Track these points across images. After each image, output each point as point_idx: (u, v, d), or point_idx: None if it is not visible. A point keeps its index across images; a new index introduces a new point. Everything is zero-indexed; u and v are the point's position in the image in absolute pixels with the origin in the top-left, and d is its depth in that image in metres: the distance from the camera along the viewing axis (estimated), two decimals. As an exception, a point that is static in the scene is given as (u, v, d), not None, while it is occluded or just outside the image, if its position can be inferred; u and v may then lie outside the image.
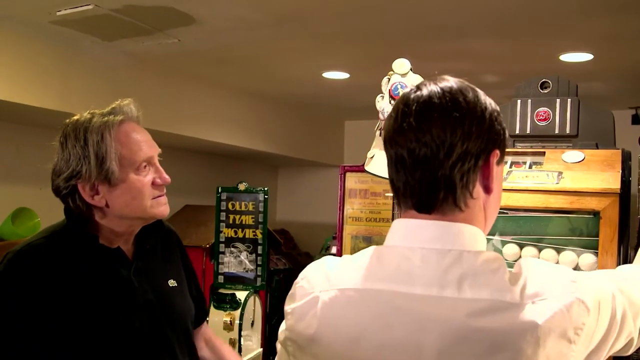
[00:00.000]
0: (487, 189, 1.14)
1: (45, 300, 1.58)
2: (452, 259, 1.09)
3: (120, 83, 4.46)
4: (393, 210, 2.19)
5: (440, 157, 1.07)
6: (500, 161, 1.16)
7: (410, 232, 1.13)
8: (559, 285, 1.07)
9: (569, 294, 1.06)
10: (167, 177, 1.74)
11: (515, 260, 1.84)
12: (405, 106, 1.12)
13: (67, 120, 1.72)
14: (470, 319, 1.04)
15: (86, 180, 1.64)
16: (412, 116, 1.10)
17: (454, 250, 1.09)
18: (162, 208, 1.74)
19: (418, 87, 1.14)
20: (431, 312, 1.06)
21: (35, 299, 1.58)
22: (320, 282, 1.18)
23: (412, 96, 1.13)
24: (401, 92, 2.09)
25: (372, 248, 1.20)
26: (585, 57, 4.15)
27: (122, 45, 4.26)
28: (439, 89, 1.11)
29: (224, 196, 4.03)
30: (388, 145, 1.14)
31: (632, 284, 1.23)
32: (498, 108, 1.16)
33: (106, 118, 1.68)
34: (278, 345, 1.30)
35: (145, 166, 1.70)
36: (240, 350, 3.74)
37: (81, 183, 1.64)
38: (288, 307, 1.22)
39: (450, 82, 1.13)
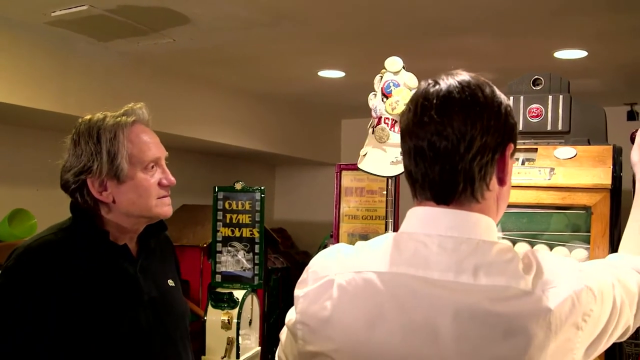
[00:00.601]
0: (502, 182, 1.17)
1: (53, 295, 1.62)
2: (468, 248, 1.11)
3: (116, 83, 4.47)
4: (387, 207, 2.20)
5: (461, 151, 1.10)
6: (513, 154, 1.19)
7: (428, 220, 1.16)
8: (568, 274, 1.11)
9: (578, 281, 1.10)
10: (172, 178, 1.81)
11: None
12: (425, 100, 1.14)
13: (80, 120, 1.78)
14: (486, 304, 1.06)
15: (96, 176, 1.69)
16: (433, 109, 1.12)
17: (470, 239, 1.12)
18: (166, 208, 1.80)
19: (436, 82, 1.16)
20: (447, 295, 1.09)
21: (44, 293, 1.61)
22: (334, 266, 1.20)
23: (431, 90, 1.15)
24: (393, 90, 2.10)
25: (388, 234, 1.22)
26: (579, 54, 4.17)
27: (117, 46, 4.27)
28: (457, 83, 1.14)
29: (220, 195, 4.03)
30: (407, 137, 1.16)
31: (625, 273, 1.27)
32: (510, 102, 1.19)
33: (119, 118, 1.75)
34: (282, 335, 1.31)
35: (152, 166, 1.76)
36: (238, 349, 3.75)
37: (91, 178, 1.70)
38: (300, 292, 1.23)
39: (467, 76, 1.16)
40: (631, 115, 5.72)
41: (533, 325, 1.05)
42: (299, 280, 1.25)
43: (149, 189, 1.75)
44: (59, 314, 1.62)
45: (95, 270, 1.70)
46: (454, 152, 1.10)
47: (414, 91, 2.10)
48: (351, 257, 1.21)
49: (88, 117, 1.78)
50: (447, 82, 1.14)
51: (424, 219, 1.17)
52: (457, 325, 1.07)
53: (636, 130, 1.77)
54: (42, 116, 4.17)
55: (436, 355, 1.08)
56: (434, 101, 1.13)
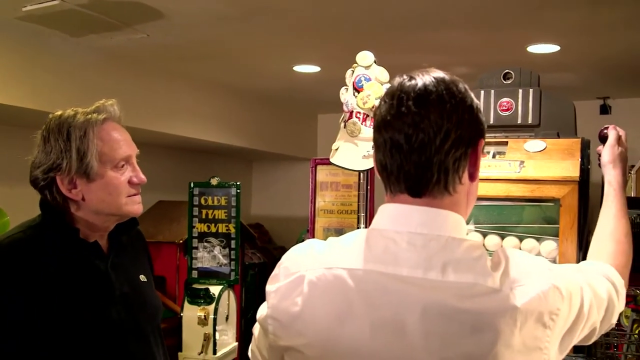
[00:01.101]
0: (473, 177, 1.20)
1: (23, 294, 1.61)
2: (437, 244, 1.13)
3: (89, 79, 4.43)
4: (359, 201, 2.21)
5: (437, 143, 1.12)
6: (482, 150, 1.21)
7: (398, 217, 1.17)
8: (536, 272, 1.13)
9: (546, 280, 1.12)
10: (143, 177, 1.80)
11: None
12: (402, 93, 1.15)
13: (51, 115, 1.76)
14: (454, 300, 1.08)
15: (65, 174, 1.68)
16: (410, 101, 1.14)
17: (440, 236, 1.14)
18: (136, 207, 1.80)
19: (411, 77, 1.18)
20: (416, 292, 1.10)
21: (13, 292, 1.61)
22: (306, 262, 1.21)
23: (407, 84, 1.16)
24: (365, 84, 2.11)
25: (359, 231, 1.23)
26: (552, 48, 4.20)
27: (90, 41, 4.23)
28: (432, 79, 1.16)
29: (196, 191, 4.03)
30: (383, 130, 1.17)
31: (595, 278, 1.30)
32: (480, 102, 1.22)
33: (90, 115, 1.73)
34: (255, 329, 1.32)
35: (123, 165, 1.75)
36: (215, 345, 3.75)
37: (60, 176, 1.69)
38: (271, 287, 1.24)
39: (440, 73, 1.18)
40: (604, 109, 5.78)
41: (500, 322, 1.06)
42: (271, 276, 1.26)
43: (119, 187, 1.74)
44: (29, 312, 1.61)
45: (66, 267, 1.70)
46: (430, 144, 1.12)
47: (385, 85, 2.14)
48: (322, 253, 1.22)
49: (59, 113, 1.76)
50: (422, 78, 1.17)
51: (394, 216, 1.18)
52: (425, 321, 1.09)
53: (605, 128, 1.79)
54: (13, 112, 4.13)
55: (404, 351, 1.10)
56: (411, 94, 1.14)
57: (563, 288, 1.13)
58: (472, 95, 1.19)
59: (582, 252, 1.82)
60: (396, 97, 1.16)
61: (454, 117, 1.13)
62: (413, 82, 1.16)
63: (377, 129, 1.19)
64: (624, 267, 1.45)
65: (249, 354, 1.37)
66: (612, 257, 1.45)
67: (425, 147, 1.12)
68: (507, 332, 1.06)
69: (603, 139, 1.78)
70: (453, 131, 1.12)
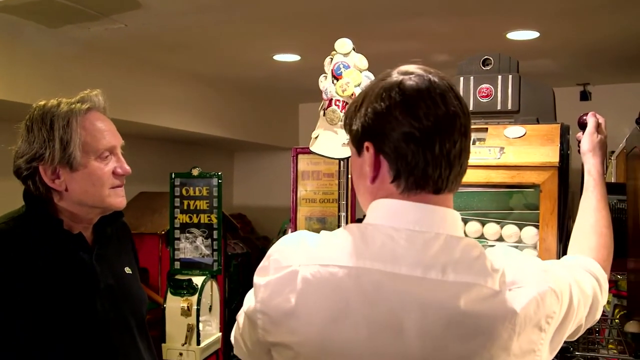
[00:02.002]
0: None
1: (8, 284, 1.61)
2: (436, 243, 1.12)
3: (67, 70, 4.38)
4: (339, 189, 2.21)
5: (464, 147, 1.16)
6: None
7: (394, 213, 1.16)
8: (534, 274, 1.13)
9: (543, 283, 1.12)
10: (127, 167, 1.79)
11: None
12: (441, 96, 1.14)
13: (35, 105, 1.76)
14: (453, 302, 1.07)
15: (48, 164, 1.68)
16: (456, 105, 1.14)
17: (438, 234, 1.13)
18: (120, 199, 1.80)
19: (407, 72, 1.17)
20: (415, 292, 1.09)
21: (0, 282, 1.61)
22: (298, 257, 1.18)
23: (438, 82, 1.16)
24: (344, 71, 2.10)
25: (353, 225, 1.21)
26: (531, 34, 4.21)
27: (68, 32, 4.18)
28: (433, 74, 1.17)
29: (177, 182, 4.01)
30: (435, 135, 1.13)
31: (580, 274, 1.31)
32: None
33: (74, 105, 1.73)
34: (240, 318, 1.28)
35: (107, 155, 1.75)
36: (198, 336, 3.74)
37: (43, 166, 1.69)
38: (261, 280, 1.20)
39: (431, 70, 1.19)
40: (584, 96, 5.80)
41: (498, 326, 1.06)
42: (259, 267, 1.23)
43: (102, 178, 1.74)
44: (12, 304, 1.61)
45: (50, 259, 1.69)
46: (468, 148, 1.16)
47: (364, 73, 2.13)
48: (316, 248, 1.19)
49: (42, 102, 1.75)
50: (420, 74, 1.16)
51: (390, 212, 1.17)
52: (422, 322, 1.08)
53: (585, 115, 1.79)
54: (-9, 105, 4.08)
55: (400, 351, 1.09)
56: (451, 95, 1.15)
57: (557, 289, 1.14)
58: None
59: (564, 238, 1.82)
60: (437, 97, 1.13)
61: (466, 110, 1.17)
62: (441, 81, 1.16)
63: (427, 134, 1.12)
64: (605, 260, 1.46)
65: (232, 340, 1.34)
66: (595, 251, 1.46)
67: (465, 152, 1.16)
68: (504, 337, 1.06)
69: (582, 125, 1.78)
70: (469, 134, 1.17)
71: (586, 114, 1.79)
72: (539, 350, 1.12)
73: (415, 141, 1.12)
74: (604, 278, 1.37)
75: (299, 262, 1.17)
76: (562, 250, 1.81)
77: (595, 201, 1.58)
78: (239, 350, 1.32)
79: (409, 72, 1.17)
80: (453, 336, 1.07)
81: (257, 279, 1.22)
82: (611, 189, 2.57)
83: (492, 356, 1.06)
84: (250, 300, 1.23)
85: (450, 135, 1.12)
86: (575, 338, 1.32)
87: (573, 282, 1.23)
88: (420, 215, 1.14)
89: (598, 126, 1.75)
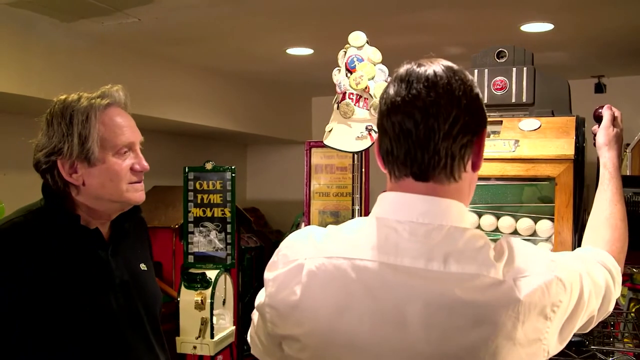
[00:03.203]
0: (476, 166, 1.20)
1: (24, 278, 1.62)
2: (439, 234, 1.13)
3: (81, 65, 4.40)
4: (353, 183, 2.20)
5: (446, 128, 1.12)
6: (484, 141, 1.21)
7: (399, 206, 1.17)
8: (540, 263, 1.13)
9: (549, 272, 1.12)
10: (146, 164, 1.79)
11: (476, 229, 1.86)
12: (411, 77, 1.16)
13: (55, 99, 1.76)
14: (456, 292, 1.08)
15: (66, 158, 1.69)
16: (420, 86, 1.14)
17: (442, 226, 1.13)
18: (138, 194, 1.79)
19: (420, 64, 1.18)
20: (417, 283, 1.10)
21: (15, 276, 1.61)
22: (305, 250, 1.20)
23: (417, 70, 1.16)
24: (357, 64, 2.09)
25: (360, 219, 1.23)
26: (545, 27, 4.18)
27: (81, 27, 4.20)
28: (442, 66, 1.16)
29: (191, 176, 4.01)
30: (392, 114, 1.16)
31: (593, 265, 1.30)
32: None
33: (93, 100, 1.73)
34: (254, 315, 1.32)
35: (125, 151, 1.75)
36: (212, 329, 3.75)
37: (61, 160, 1.69)
38: (269, 274, 1.23)
39: (448, 62, 1.19)
40: (599, 88, 5.76)
41: (502, 314, 1.06)
42: (269, 263, 1.26)
43: (120, 174, 1.74)
44: (29, 296, 1.61)
45: (66, 254, 1.70)
46: (439, 129, 1.12)
47: (378, 66, 2.12)
48: (322, 241, 1.21)
49: (63, 97, 1.76)
50: (431, 65, 1.17)
51: (396, 205, 1.18)
52: (426, 313, 1.08)
53: (601, 107, 1.77)
54: (6, 99, 4.10)
55: (405, 343, 1.10)
56: (422, 79, 1.15)
57: (565, 279, 1.13)
58: (477, 86, 1.20)
59: (578, 231, 1.81)
60: (405, 81, 1.16)
61: (463, 103, 1.13)
62: (422, 68, 1.16)
63: (386, 114, 1.17)
64: (619, 253, 1.45)
65: (248, 339, 1.36)
66: (609, 244, 1.45)
67: (435, 133, 1.12)
68: (509, 326, 1.06)
69: (598, 118, 1.76)
70: (462, 117, 1.13)
71: (602, 107, 1.77)
72: (545, 339, 1.12)
73: (381, 123, 1.18)
74: (617, 270, 1.36)
75: (305, 255, 1.19)
76: (577, 243, 1.79)
77: (610, 194, 1.57)
78: (255, 349, 1.34)
79: (418, 63, 1.18)
80: (457, 327, 1.07)
81: (266, 274, 1.25)
82: (627, 181, 2.55)
83: (497, 346, 1.06)
84: (260, 296, 1.26)
85: (409, 115, 1.13)
86: (588, 330, 1.31)
87: (584, 274, 1.22)
88: (424, 207, 1.15)
89: (614, 119, 1.73)
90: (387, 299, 1.11)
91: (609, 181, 1.59)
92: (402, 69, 1.19)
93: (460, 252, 1.11)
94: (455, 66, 1.18)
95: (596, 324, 1.32)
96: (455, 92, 1.13)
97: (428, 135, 1.12)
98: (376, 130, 2.06)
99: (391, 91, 1.17)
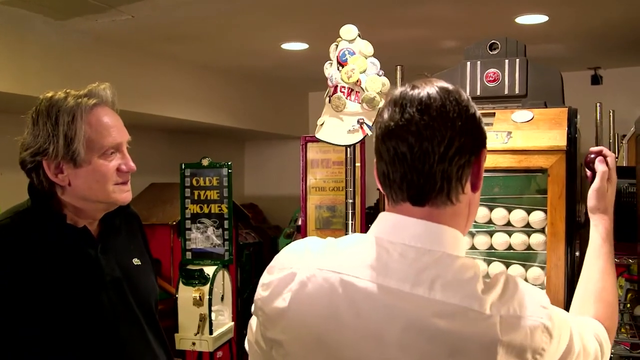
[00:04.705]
0: (475, 187, 1.18)
1: (13, 280, 1.61)
2: (429, 259, 1.12)
3: (76, 62, 4.39)
4: (346, 177, 2.20)
5: (441, 150, 1.10)
6: (484, 160, 1.19)
7: (395, 227, 1.17)
8: (530, 306, 1.10)
9: (537, 318, 1.09)
10: (132, 165, 1.77)
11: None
12: (405, 100, 1.14)
13: (42, 96, 1.73)
14: (435, 319, 1.07)
15: (52, 159, 1.66)
16: (413, 110, 1.12)
17: (433, 251, 1.13)
18: (125, 195, 1.77)
19: (414, 86, 1.16)
20: (400, 305, 1.10)
21: (3, 279, 1.61)
22: (301, 260, 1.21)
23: (410, 92, 1.15)
24: (349, 58, 2.09)
25: (358, 235, 1.23)
26: (540, 18, 4.18)
27: (75, 24, 4.19)
28: (436, 88, 1.14)
29: (188, 172, 4.01)
30: (386, 139, 1.15)
31: (586, 329, 1.27)
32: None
33: (80, 100, 1.70)
34: (252, 320, 1.33)
35: (112, 152, 1.73)
36: (211, 325, 3.76)
37: (46, 160, 1.67)
38: (265, 279, 1.24)
39: (443, 83, 1.17)
40: (595, 80, 5.76)
41: (478, 350, 1.05)
42: (268, 266, 1.27)
43: (106, 175, 1.72)
44: (18, 298, 1.61)
45: (54, 254, 1.69)
46: (434, 152, 1.11)
47: (370, 59, 2.12)
48: (318, 253, 1.22)
49: (49, 94, 1.73)
50: (425, 87, 1.16)
51: (391, 226, 1.18)
52: (405, 336, 1.08)
53: (593, 154, 1.60)
54: (1, 98, 4.09)
55: None
56: (415, 102, 1.13)
57: (553, 329, 1.10)
58: (474, 105, 1.18)
59: (570, 223, 1.81)
60: (399, 105, 1.15)
61: (458, 125, 1.12)
62: (416, 90, 1.15)
63: (381, 138, 1.16)
64: (610, 331, 1.39)
65: (246, 346, 1.37)
66: (601, 319, 1.39)
67: (429, 156, 1.11)
68: None
69: (588, 166, 1.61)
70: (457, 139, 1.11)
71: (594, 154, 1.60)
72: None
73: (377, 147, 1.17)
74: (607, 346, 1.32)
75: (299, 265, 1.20)
76: (570, 234, 1.80)
77: (602, 263, 1.49)
78: (254, 357, 1.34)
79: (413, 85, 1.17)
80: (433, 355, 1.07)
81: (263, 277, 1.25)
82: (622, 172, 2.54)
83: None
84: (256, 296, 1.27)
85: (403, 140, 1.12)
86: None
87: (576, 333, 1.19)
88: (417, 230, 1.14)
89: (607, 172, 1.58)
90: (369, 317, 1.11)
91: (600, 248, 1.51)
92: (397, 92, 1.18)
93: (448, 280, 1.09)
94: (450, 86, 1.16)
95: None
96: (450, 114, 1.12)
97: (423, 158, 1.11)
98: (368, 123, 2.07)
99: (385, 115, 1.16)
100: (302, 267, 1.19)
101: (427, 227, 1.14)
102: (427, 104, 1.12)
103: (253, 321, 1.32)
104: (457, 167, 1.12)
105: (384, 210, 1.22)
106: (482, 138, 1.17)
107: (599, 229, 1.53)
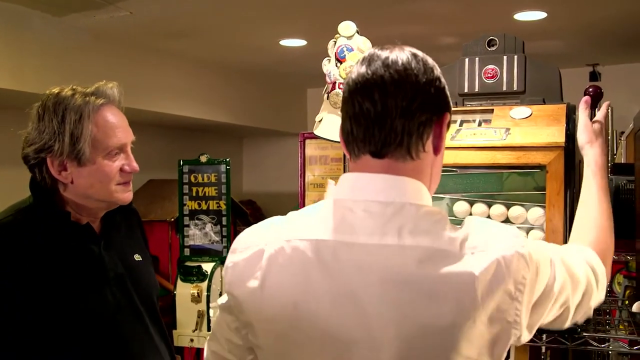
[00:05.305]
0: (437, 149, 1.19)
1: (17, 278, 1.61)
2: (394, 209, 1.12)
3: (74, 59, 4.39)
4: (344, 172, 2.20)
5: (404, 105, 1.12)
6: (449, 126, 1.22)
7: (357, 186, 1.17)
8: (501, 239, 1.10)
9: (509, 247, 1.09)
10: (136, 165, 1.78)
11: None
12: (372, 60, 1.17)
13: (48, 92, 1.73)
14: (410, 265, 1.07)
15: (56, 156, 1.67)
16: (380, 65, 1.15)
17: (396, 202, 1.13)
18: (126, 195, 1.79)
19: (383, 47, 1.19)
20: (371, 259, 1.10)
21: (8, 278, 1.61)
22: (266, 236, 1.20)
23: (379, 53, 1.18)
24: (347, 54, 2.09)
25: (320, 203, 1.22)
26: (539, 15, 4.17)
27: (73, 21, 4.19)
28: (405, 50, 1.17)
29: (186, 169, 4.01)
30: (353, 94, 1.17)
31: (571, 257, 1.27)
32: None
33: (88, 98, 1.70)
34: (215, 324, 1.31)
35: (116, 152, 1.73)
36: (209, 322, 3.76)
37: (51, 157, 1.67)
38: (229, 262, 1.23)
39: (414, 49, 1.20)
40: (593, 76, 5.76)
41: (456, 289, 1.05)
42: (230, 249, 1.26)
43: (110, 175, 1.72)
44: (22, 296, 1.61)
45: (58, 251, 1.69)
46: (397, 106, 1.12)
47: (368, 56, 2.11)
48: (282, 226, 1.21)
49: (56, 90, 1.72)
50: (394, 48, 1.18)
51: (353, 185, 1.18)
52: (380, 289, 1.08)
53: (591, 88, 1.74)
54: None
55: (361, 322, 1.09)
56: (382, 59, 1.16)
57: (528, 256, 1.09)
58: (440, 73, 1.20)
59: (570, 220, 1.81)
60: (366, 62, 1.17)
61: (422, 82, 1.14)
62: (386, 51, 1.18)
63: (347, 94, 1.19)
64: (605, 254, 1.41)
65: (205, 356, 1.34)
66: (595, 245, 1.40)
67: (392, 110, 1.12)
68: (466, 302, 1.04)
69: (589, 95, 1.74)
70: (420, 95, 1.13)
71: (592, 89, 1.73)
72: (516, 323, 1.09)
73: (344, 105, 1.20)
74: (601, 271, 1.32)
75: (265, 241, 1.19)
76: (569, 231, 1.80)
77: (595, 190, 1.53)
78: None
79: (382, 47, 1.20)
80: (412, 302, 1.06)
81: (227, 261, 1.24)
82: (620, 169, 2.55)
83: (454, 324, 1.04)
84: (225, 282, 1.25)
85: (368, 95, 1.14)
86: (564, 327, 1.27)
87: (557, 261, 1.19)
88: (379, 185, 1.15)
89: (596, 115, 1.69)
90: (343, 278, 1.11)
91: (592, 178, 1.56)
92: (367, 53, 1.20)
93: (415, 225, 1.10)
94: (420, 52, 1.19)
95: (573, 322, 1.28)
96: (415, 71, 1.14)
97: (385, 113, 1.13)
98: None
99: (353, 74, 1.19)
100: (269, 242, 1.18)
101: (387, 179, 1.15)
102: (394, 61, 1.15)
103: (218, 327, 1.30)
104: (418, 124, 1.14)
105: None
106: (446, 102, 1.19)
107: (590, 165, 1.59)
